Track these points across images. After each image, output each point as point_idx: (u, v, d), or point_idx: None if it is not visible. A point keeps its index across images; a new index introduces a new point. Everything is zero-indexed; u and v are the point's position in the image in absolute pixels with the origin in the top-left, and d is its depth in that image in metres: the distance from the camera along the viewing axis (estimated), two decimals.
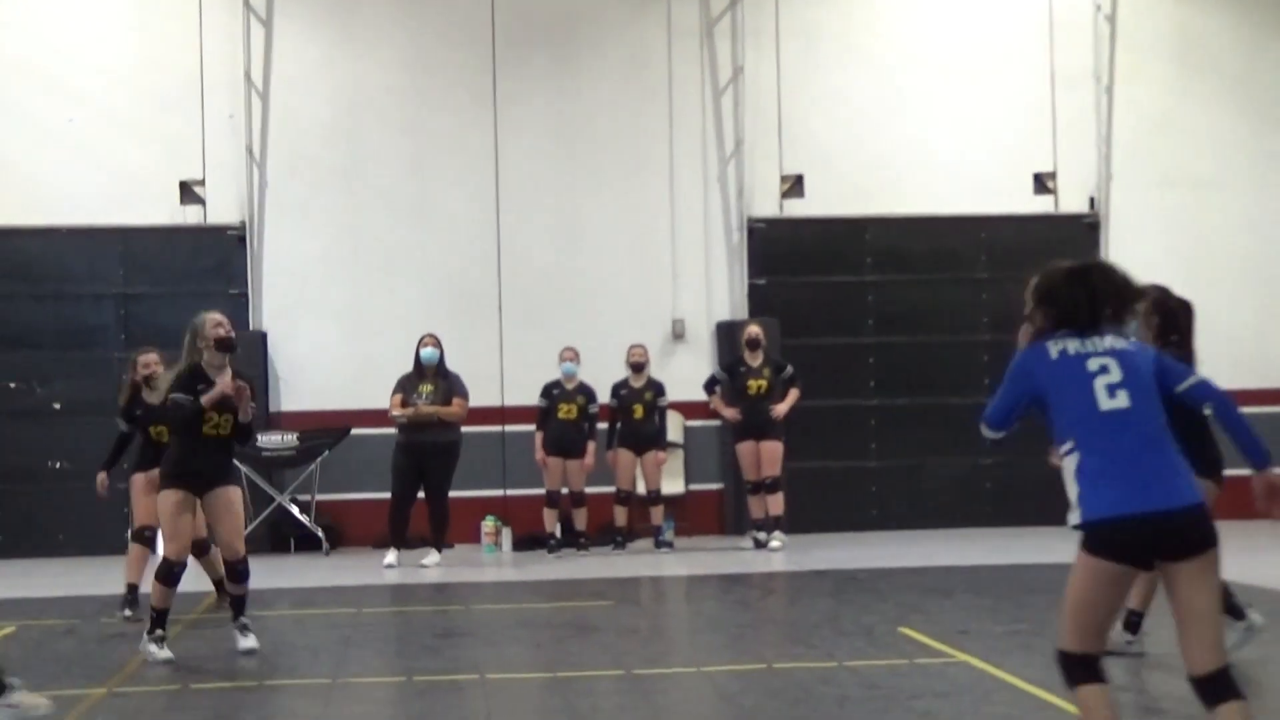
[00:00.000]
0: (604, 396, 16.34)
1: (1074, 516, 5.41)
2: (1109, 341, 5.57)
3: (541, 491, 16.32)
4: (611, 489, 16.40)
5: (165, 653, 9.80)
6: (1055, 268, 5.75)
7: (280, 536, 16.64)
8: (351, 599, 13.05)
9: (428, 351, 15.58)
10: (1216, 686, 5.30)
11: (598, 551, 16.21)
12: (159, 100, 17.55)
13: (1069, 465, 5.46)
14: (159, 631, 9.92)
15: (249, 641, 10.19)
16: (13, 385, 17.36)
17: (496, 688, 8.97)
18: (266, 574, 12.90)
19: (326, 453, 16.66)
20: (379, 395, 15.93)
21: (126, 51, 17.65)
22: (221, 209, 17.63)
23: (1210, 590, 5.33)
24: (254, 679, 9.06)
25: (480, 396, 16.33)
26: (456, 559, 15.81)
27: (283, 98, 17.58)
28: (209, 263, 17.65)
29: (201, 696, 8.75)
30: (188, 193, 17.61)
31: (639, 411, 16.32)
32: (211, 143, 17.54)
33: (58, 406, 17.30)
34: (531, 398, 16.46)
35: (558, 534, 16.30)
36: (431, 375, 15.55)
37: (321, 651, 10.36)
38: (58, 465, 16.94)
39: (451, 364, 15.72)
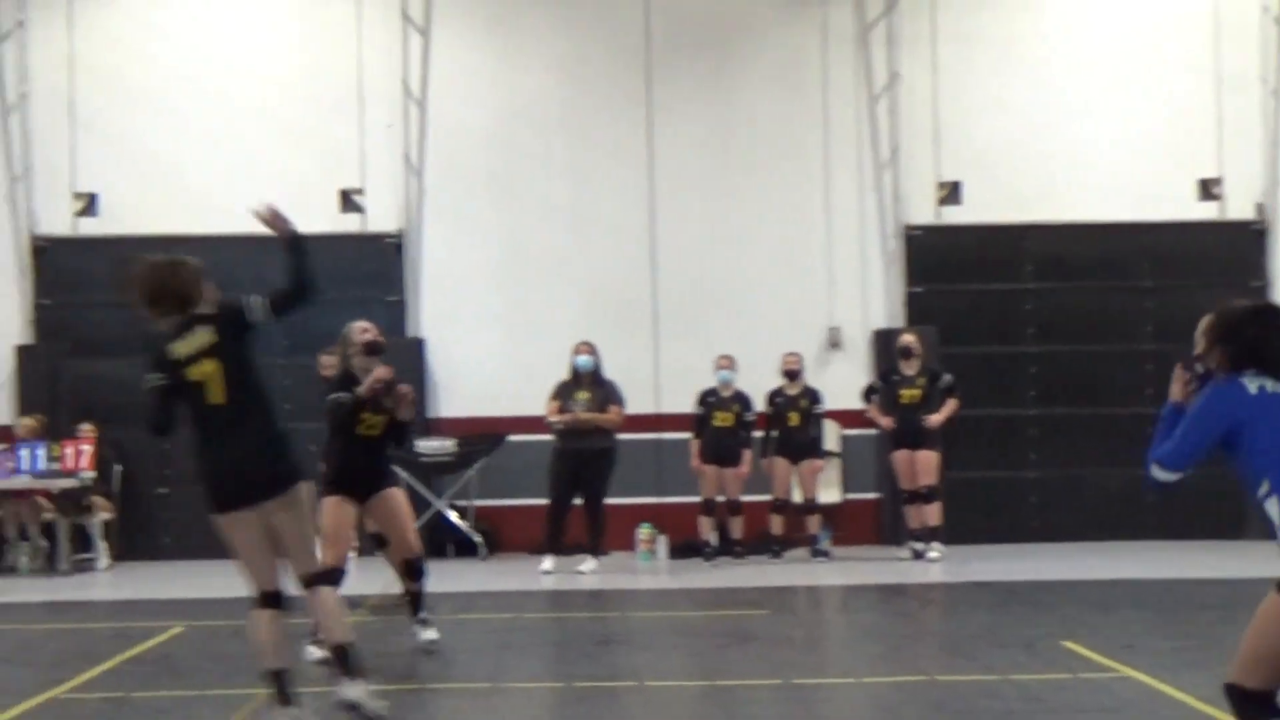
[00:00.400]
0: (760, 404, 16.31)
1: None
2: None
3: (697, 499, 16.32)
4: (767, 497, 16.35)
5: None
6: (1234, 306, 5.61)
7: (438, 542, 16.77)
8: (509, 604, 13.13)
9: (582, 360, 15.65)
10: None
11: (754, 560, 16.16)
12: (320, 110, 17.85)
13: (1272, 507, 5.29)
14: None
15: (430, 634, 10.44)
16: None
17: (655, 695, 8.97)
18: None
19: (484, 459, 16.80)
20: (536, 401, 16.03)
21: (289, 63, 17.96)
22: (380, 217, 17.87)
23: None
24: (415, 681, 9.14)
25: (636, 404, 16.36)
26: (612, 566, 15.84)
27: (440, 106, 17.79)
28: (368, 270, 17.88)
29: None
30: (347, 201, 17.87)
31: (794, 419, 16.26)
32: (371, 152, 17.79)
33: None
34: (687, 405, 16.47)
35: (713, 542, 16.28)
36: (588, 382, 15.61)
37: (481, 655, 10.44)
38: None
39: (607, 371, 15.78)
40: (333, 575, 9.45)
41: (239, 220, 17.54)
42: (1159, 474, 5.48)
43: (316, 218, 17.60)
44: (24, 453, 16.32)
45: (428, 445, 16.56)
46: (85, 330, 17.67)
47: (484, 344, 17.63)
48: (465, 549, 16.81)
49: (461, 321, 17.44)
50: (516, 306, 17.73)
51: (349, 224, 17.83)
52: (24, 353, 17.50)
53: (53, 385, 17.38)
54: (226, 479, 7.38)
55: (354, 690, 7.50)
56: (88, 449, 16.29)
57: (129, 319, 17.51)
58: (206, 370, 7.32)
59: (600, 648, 10.78)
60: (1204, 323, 5.63)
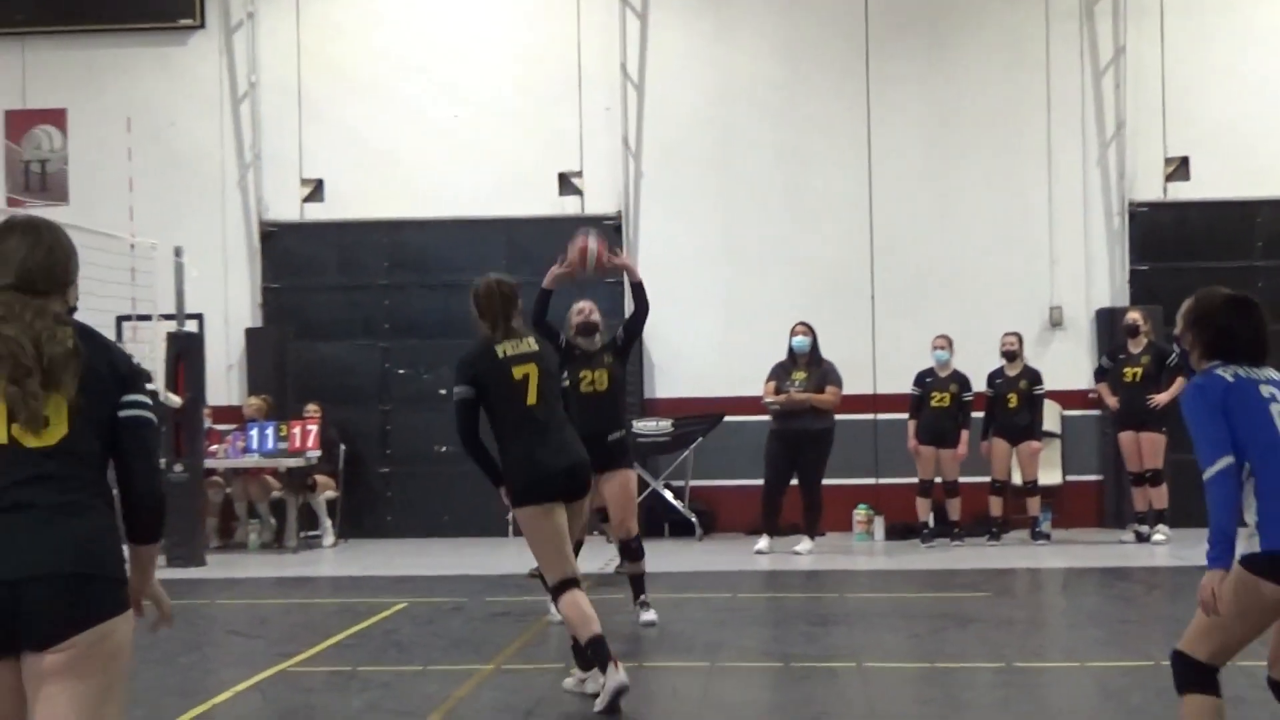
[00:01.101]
0: (979, 385, 16.09)
1: (1253, 544, 5.37)
2: (1272, 373, 5.64)
3: (914, 480, 16.17)
4: (986, 479, 16.13)
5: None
6: (1211, 293, 5.83)
7: (654, 522, 16.85)
8: (725, 584, 13.14)
9: (799, 340, 15.61)
10: None
11: (972, 542, 15.95)
12: (539, 95, 18.02)
13: (1249, 489, 5.43)
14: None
15: (650, 615, 10.62)
16: (402, 372, 18.07)
17: (874, 676, 8.91)
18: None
19: (700, 439, 16.84)
20: (753, 383, 16.03)
21: (509, 49, 18.16)
22: (598, 199, 17.99)
23: None
24: (634, 659, 9.19)
25: (853, 384, 16.25)
26: (828, 546, 15.77)
27: (657, 89, 17.85)
28: None
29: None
30: (566, 184, 18.02)
31: (1013, 401, 16.01)
32: (589, 135, 17.92)
33: (444, 392, 17.90)
34: (904, 385, 16.33)
35: (931, 523, 16.11)
36: (805, 363, 15.57)
37: (699, 634, 10.46)
38: (444, 449, 17.51)
39: (824, 352, 15.71)
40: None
41: (459, 204, 18.13)
42: (1207, 475, 5.44)
43: (536, 201, 17.90)
44: (253, 432, 16.79)
45: (644, 425, 16.65)
46: (311, 313, 18.13)
47: (701, 325, 17.65)
48: (681, 529, 16.86)
49: (679, 303, 17.47)
50: (733, 287, 17.71)
51: (568, 206, 17.98)
52: (253, 335, 17.99)
53: (280, 367, 17.85)
54: (554, 474, 7.91)
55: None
56: (313, 429, 16.69)
57: (352, 303, 18.07)
58: (527, 371, 7.94)
59: (817, 628, 10.74)
60: (1184, 306, 5.87)
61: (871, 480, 17.29)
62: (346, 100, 18.17)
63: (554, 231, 17.94)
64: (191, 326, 16.19)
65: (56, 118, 18.49)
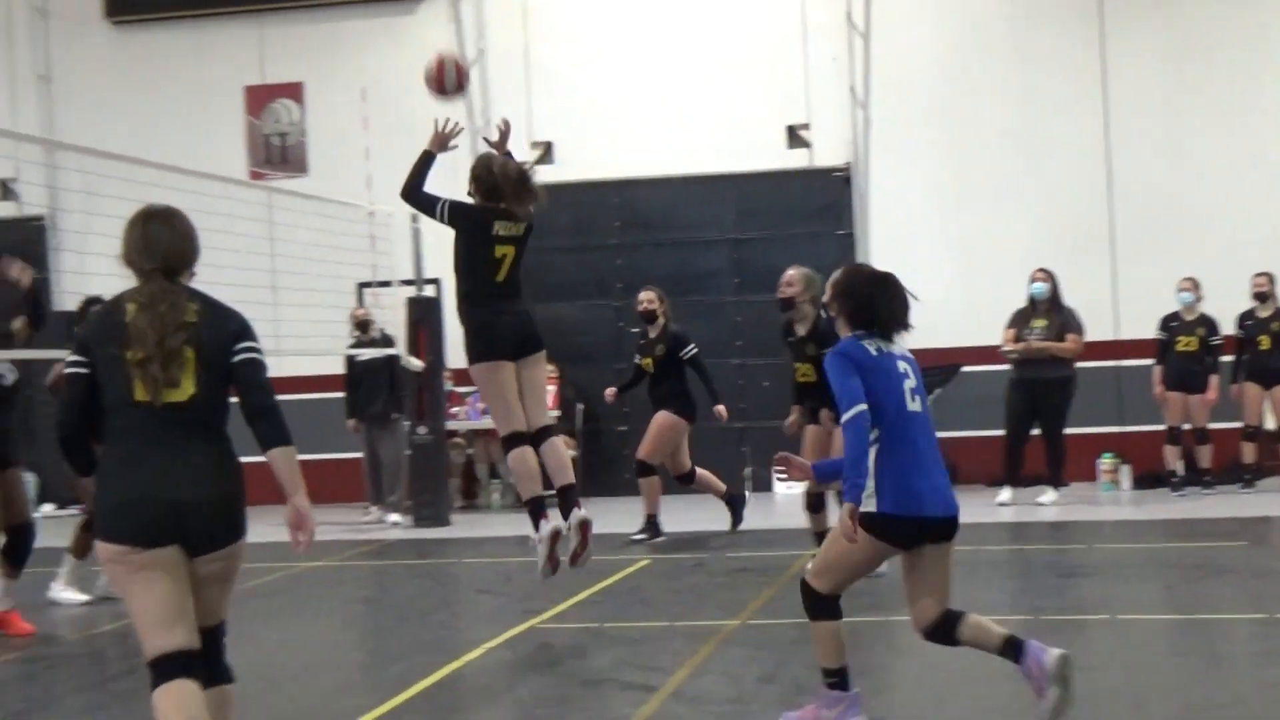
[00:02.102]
0: (1228, 328, 15.60)
1: (870, 503, 6.06)
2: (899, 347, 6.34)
3: (1161, 427, 15.76)
4: (1237, 425, 15.65)
5: None
6: (857, 268, 6.64)
7: None
8: (968, 537, 12.90)
9: (1038, 286, 15.31)
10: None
11: (1223, 490, 15.51)
12: (764, 48, 17.92)
13: (873, 452, 6.10)
14: None
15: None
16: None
17: (1128, 628, 8.71)
18: None
19: (939, 390, 16.60)
20: (990, 331, 15.77)
21: (733, 3, 18.08)
22: (827, 151, 17.84)
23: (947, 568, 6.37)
24: (881, 613, 9.11)
25: (1094, 330, 15.90)
26: (1073, 496, 15.46)
27: (884, 37, 17.57)
28: (816, 205, 17.88)
29: None
30: (794, 137, 17.90)
31: (1265, 343, 15.50)
32: (816, 86, 17.76)
33: None
34: (1148, 330, 15.92)
35: (1180, 471, 15.69)
36: (1045, 310, 15.26)
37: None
38: None
39: (1065, 298, 15.38)
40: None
41: (687, 162, 18.13)
42: (845, 416, 6.05)
43: (764, 155, 17.82)
44: None
45: None
46: (546, 275, 18.25)
47: (936, 274, 17.32)
48: None
49: (913, 252, 17.22)
50: (968, 234, 17.42)
51: (796, 160, 17.86)
52: None
53: None
54: (505, 335, 9.42)
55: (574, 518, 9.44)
56: (551, 389, 16.86)
57: (584, 263, 18.18)
58: (506, 251, 9.72)
59: (1065, 580, 10.54)
60: (833, 277, 6.57)
61: (1116, 428, 16.91)
62: (573, 62, 18.28)
63: (783, 186, 17.91)
64: (429, 291, 16.47)
65: (294, 91, 18.94)
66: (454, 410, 17.05)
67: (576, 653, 8.62)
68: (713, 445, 17.27)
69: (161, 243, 5.36)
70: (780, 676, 7.65)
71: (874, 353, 6.19)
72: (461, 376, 17.64)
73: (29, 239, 18.44)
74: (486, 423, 16.97)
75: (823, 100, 17.75)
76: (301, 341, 15.55)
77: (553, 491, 9.70)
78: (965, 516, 13.58)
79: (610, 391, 14.00)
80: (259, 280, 16.71)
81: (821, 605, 6.37)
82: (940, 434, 17.71)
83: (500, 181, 9.70)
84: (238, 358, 5.32)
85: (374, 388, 16.13)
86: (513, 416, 9.42)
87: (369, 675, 8.58)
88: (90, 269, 10.20)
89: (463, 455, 17.51)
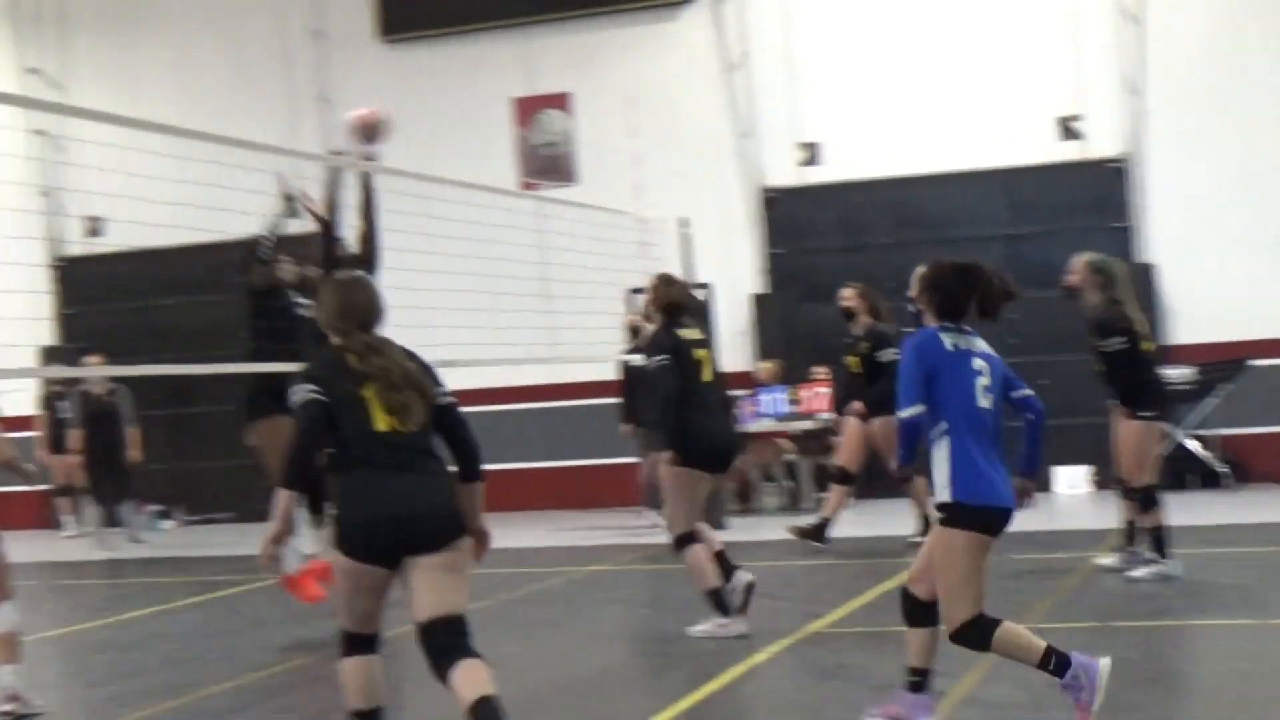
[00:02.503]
0: None
1: (945, 493, 6.22)
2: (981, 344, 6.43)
3: None
4: None
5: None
6: (941, 261, 6.57)
7: (1178, 472, 16.14)
8: (1264, 537, 12.50)
9: None
10: None
11: None
12: (1033, 38, 17.56)
13: (943, 447, 6.26)
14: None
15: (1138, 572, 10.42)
16: (908, 330, 17.91)
17: None
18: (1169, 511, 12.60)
19: (1226, 385, 16.06)
20: (1277, 323, 15.19)
21: None
22: (1100, 142, 17.39)
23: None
24: (1175, 618, 8.83)
25: None
26: None
27: (1160, 24, 17.08)
28: (1088, 198, 17.45)
29: (1122, 634, 8.64)
30: (1066, 128, 17.49)
31: None
32: (1088, 75, 17.33)
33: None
34: None
35: None
36: None
37: (1240, 591, 9.95)
38: None
39: None
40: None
41: (956, 158, 17.87)
42: (900, 414, 6.32)
43: (1034, 148, 17.45)
44: (765, 397, 17.01)
45: (1165, 374, 15.99)
46: (815, 276, 18.18)
47: (1221, 266, 16.79)
48: (1210, 480, 16.14)
49: (1195, 244, 16.70)
50: (1255, 224, 16.75)
51: (1068, 152, 17.45)
52: (759, 301, 18.22)
53: (787, 331, 18.02)
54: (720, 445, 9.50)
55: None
56: (824, 391, 16.78)
57: (855, 264, 18.05)
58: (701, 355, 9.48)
59: None
60: (918, 271, 6.87)
61: None
62: (837, 60, 18.16)
63: (1054, 180, 17.53)
64: (700, 295, 16.52)
65: (561, 101, 19.18)
66: None
67: (862, 657, 8.52)
68: None
69: (359, 305, 6.21)
70: None
71: (949, 347, 6.30)
72: (733, 379, 17.68)
73: (312, 254, 18.99)
74: (762, 425, 16.97)
75: (1095, 90, 17.30)
76: (574, 349, 15.74)
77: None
78: (1258, 516, 13.24)
79: (858, 407, 13.43)
80: (531, 289, 17.02)
81: (919, 612, 6.48)
82: (1227, 430, 17.34)
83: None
84: (443, 400, 6.19)
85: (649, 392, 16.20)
86: (695, 518, 9.40)
87: (655, 680, 8.62)
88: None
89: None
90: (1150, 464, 10.49)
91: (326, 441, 5.98)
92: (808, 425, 16.56)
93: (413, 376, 6.06)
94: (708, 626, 9.27)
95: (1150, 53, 17.03)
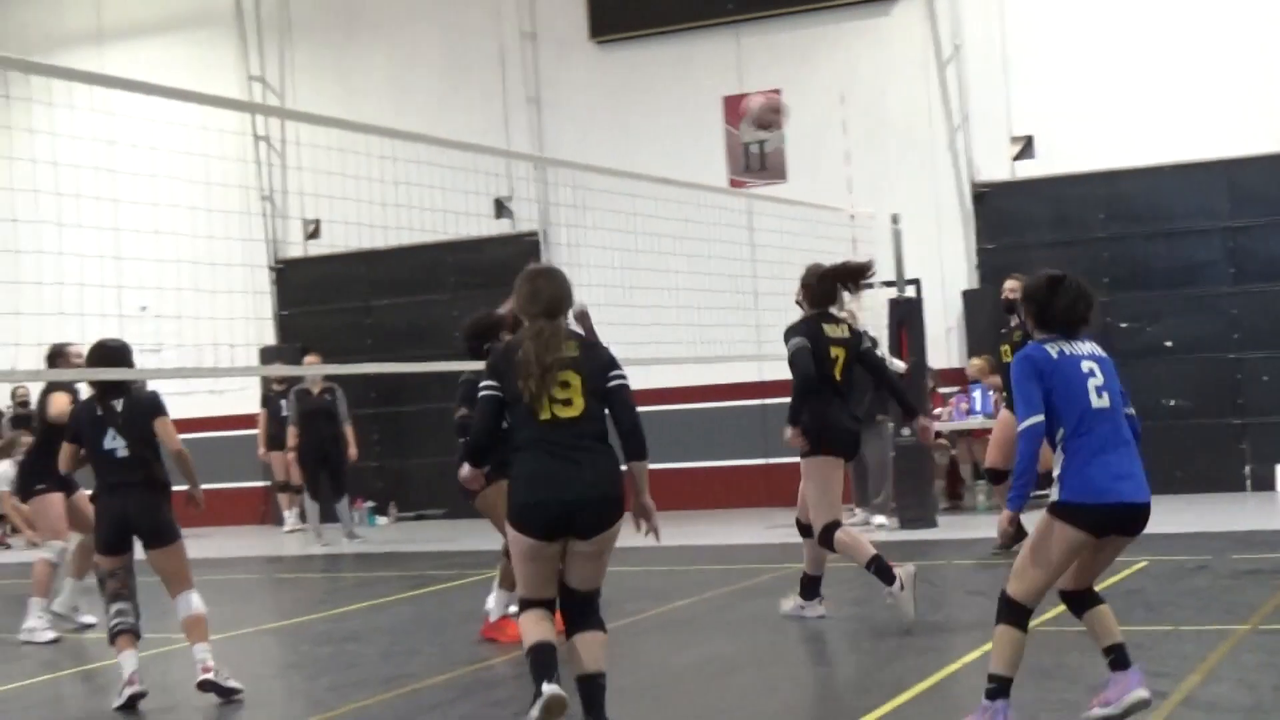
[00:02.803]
0: None
1: (1055, 493, 6.43)
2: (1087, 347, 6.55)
3: None
4: None
5: None
6: (1035, 275, 6.70)
7: None
8: None
9: None
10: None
11: None
12: (1254, 25, 17.09)
13: (1061, 450, 6.43)
14: None
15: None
16: (1124, 325, 17.57)
17: None
18: None
19: None
20: None
21: None
22: None
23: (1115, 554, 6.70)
24: None
25: None
26: None
27: None
28: None
29: None
30: None
31: None
32: None
33: (1169, 344, 17.30)
34: None
35: None
36: None
37: None
38: (1173, 403, 16.96)
39: None
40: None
41: (1175, 149, 17.47)
42: (1021, 427, 6.42)
43: (1258, 138, 16.96)
44: (975, 394, 16.79)
45: None
46: (1027, 271, 17.84)
47: None
48: None
49: None
50: None
51: None
52: (970, 296, 17.99)
53: (998, 327, 17.69)
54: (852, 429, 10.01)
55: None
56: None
57: (1070, 258, 17.73)
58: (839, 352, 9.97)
59: None
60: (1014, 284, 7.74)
61: None
62: (1051, 53, 17.87)
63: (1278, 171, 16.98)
64: (910, 291, 16.38)
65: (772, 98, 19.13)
66: (937, 411, 16.89)
67: (1078, 656, 8.36)
68: (1210, 442, 16.71)
69: (544, 293, 6.68)
70: None
71: (1054, 355, 6.46)
72: (945, 375, 17.50)
73: (524, 253, 19.31)
74: (971, 423, 16.77)
75: None
76: (782, 346, 15.69)
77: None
78: None
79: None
80: (741, 286, 17.02)
81: (1010, 610, 6.55)
82: None
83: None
84: (611, 384, 6.64)
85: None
86: (837, 508, 9.90)
87: (868, 675, 8.55)
88: (583, 280, 10.53)
89: (947, 456, 17.33)
90: None
91: (500, 432, 6.66)
92: None
93: (567, 364, 6.53)
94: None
95: None
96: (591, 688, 6.61)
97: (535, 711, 6.44)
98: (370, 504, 20.19)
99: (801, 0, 18.93)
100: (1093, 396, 6.40)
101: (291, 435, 18.23)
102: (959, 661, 8.35)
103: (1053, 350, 6.47)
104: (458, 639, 10.40)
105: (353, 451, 18.23)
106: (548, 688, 6.44)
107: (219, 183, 14.77)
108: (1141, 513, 6.41)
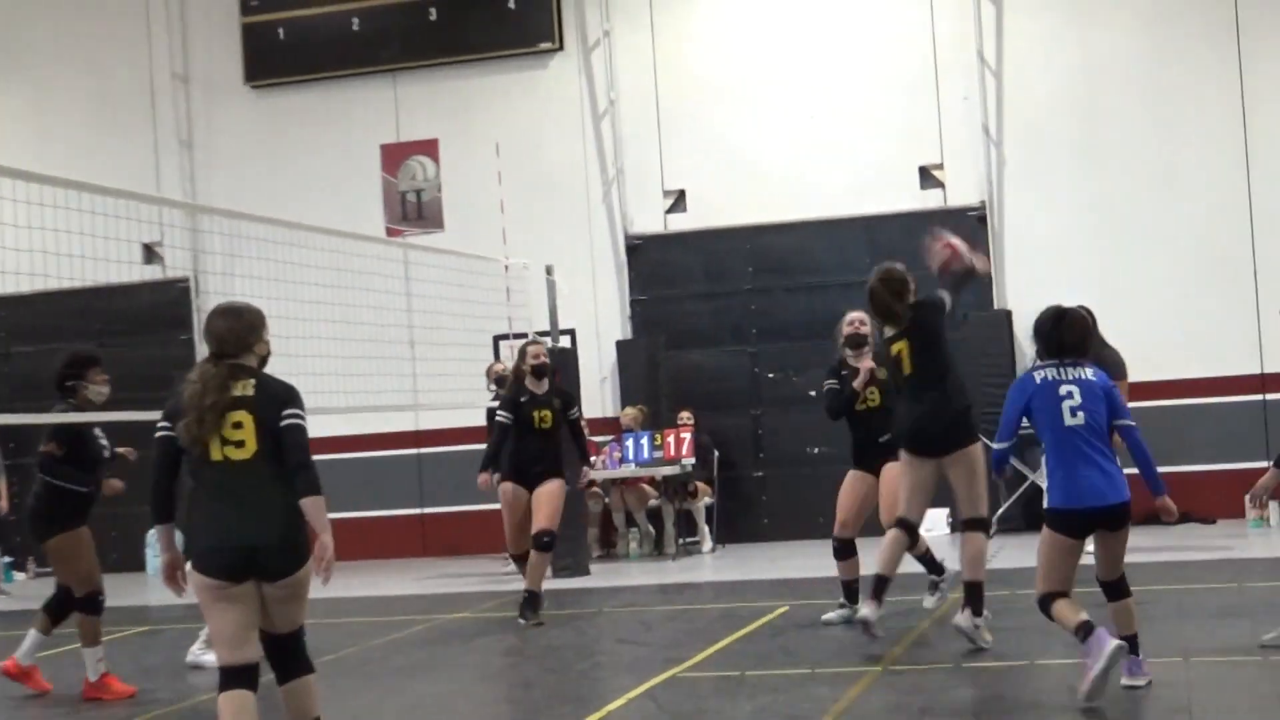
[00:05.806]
0: None
1: (1045, 501, 7.83)
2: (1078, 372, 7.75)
3: None
4: None
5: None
6: (1047, 309, 7.96)
7: None
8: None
9: None
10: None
11: None
12: (895, 89, 17.85)
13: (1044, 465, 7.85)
14: None
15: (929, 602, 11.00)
16: (771, 375, 18.12)
17: None
18: None
19: None
20: (1134, 368, 15.48)
21: (862, 45, 18.06)
22: (961, 191, 17.72)
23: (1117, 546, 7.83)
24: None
25: (1239, 364, 15.92)
26: (1220, 534, 15.10)
27: (1016, 74, 17.52)
28: None
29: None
30: (927, 177, 17.80)
31: None
32: (948, 125, 17.65)
33: (814, 394, 17.83)
34: None
35: None
36: None
37: None
38: (816, 450, 17.49)
39: (1201, 330, 15.17)
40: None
41: (819, 205, 18.10)
42: (995, 446, 8.01)
43: (897, 197, 17.70)
44: (629, 442, 17.07)
45: None
46: (679, 322, 18.35)
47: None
48: None
49: (1050, 291, 16.53)
50: (1109, 271, 17.02)
51: (930, 200, 17.72)
52: (624, 347, 18.29)
53: (652, 376, 18.11)
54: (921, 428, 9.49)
55: (963, 619, 9.33)
56: (687, 436, 16.86)
57: (719, 310, 18.17)
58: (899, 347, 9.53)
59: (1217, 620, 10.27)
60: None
61: (1264, 464, 16.50)
62: (704, 109, 18.35)
63: (916, 227, 17.60)
64: (565, 342, 16.56)
65: (429, 148, 19.19)
66: (593, 459, 17.08)
67: (719, 701, 8.56)
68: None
69: (214, 332, 6.57)
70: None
71: (1038, 380, 7.72)
72: (598, 425, 17.71)
73: (174, 300, 18.85)
74: (623, 471, 17.01)
75: (955, 139, 17.64)
76: (439, 396, 15.71)
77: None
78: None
79: None
80: (397, 336, 16.95)
81: (1045, 603, 7.68)
82: None
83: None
84: (284, 423, 6.46)
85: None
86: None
87: None
88: None
89: (600, 504, 17.55)
90: None
91: (173, 477, 6.60)
92: (672, 470, 16.62)
93: (233, 405, 6.40)
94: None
95: (1008, 103, 17.44)
96: None
97: None
98: (8, 559, 19.36)
99: (459, 50, 19.02)
100: (1066, 416, 7.59)
101: None
102: (606, 709, 8.42)
103: (1038, 376, 7.74)
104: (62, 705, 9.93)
105: (3, 504, 17.41)
106: None
107: None
108: (1115, 511, 7.57)
